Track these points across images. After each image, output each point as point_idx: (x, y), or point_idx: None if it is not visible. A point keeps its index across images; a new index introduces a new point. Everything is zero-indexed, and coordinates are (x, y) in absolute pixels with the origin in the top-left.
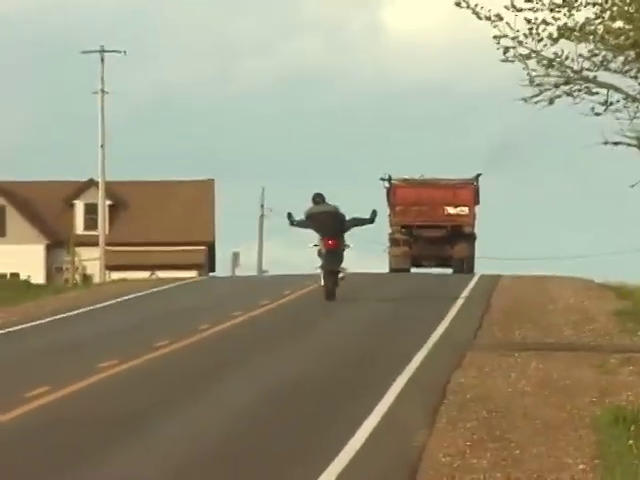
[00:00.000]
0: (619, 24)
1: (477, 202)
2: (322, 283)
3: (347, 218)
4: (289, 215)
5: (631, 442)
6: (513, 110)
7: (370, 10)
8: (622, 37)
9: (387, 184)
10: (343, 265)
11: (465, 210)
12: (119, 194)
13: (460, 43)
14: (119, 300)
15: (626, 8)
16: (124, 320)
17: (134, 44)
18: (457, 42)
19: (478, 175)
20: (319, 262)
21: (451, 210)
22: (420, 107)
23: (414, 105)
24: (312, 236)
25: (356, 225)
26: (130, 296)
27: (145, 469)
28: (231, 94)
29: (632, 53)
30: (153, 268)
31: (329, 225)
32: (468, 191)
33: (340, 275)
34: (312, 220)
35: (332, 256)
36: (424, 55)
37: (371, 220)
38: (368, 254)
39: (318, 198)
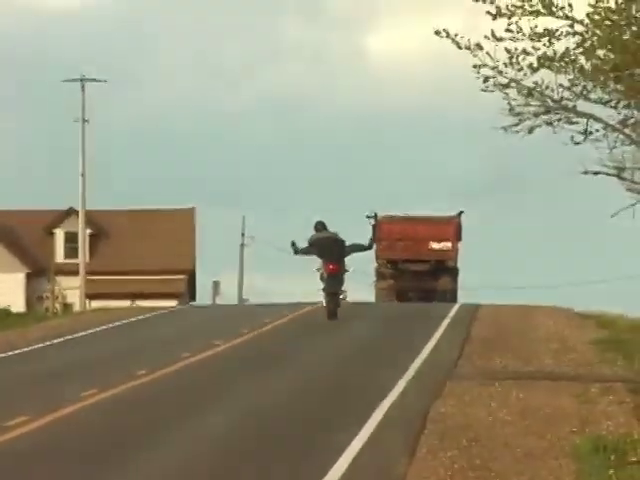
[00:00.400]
0: (600, 53)
1: (459, 238)
2: (324, 304)
3: (347, 244)
4: (292, 244)
5: (611, 472)
6: (494, 139)
7: (353, 36)
8: (601, 62)
9: (373, 221)
10: (343, 288)
11: (448, 245)
12: (100, 223)
13: (441, 71)
14: (100, 329)
15: (609, 33)
16: (105, 349)
17: (115, 71)
18: (438, 70)
19: (460, 212)
20: (320, 285)
21: (435, 245)
22: (402, 132)
23: (396, 131)
24: (299, 266)
25: (355, 251)
26: (111, 325)
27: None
28: (213, 120)
29: (612, 84)
30: (134, 297)
31: (330, 250)
32: (451, 227)
33: (341, 297)
34: (315, 246)
35: (333, 279)
36: (406, 81)
37: (369, 246)
38: (356, 284)
39: (319, 225)
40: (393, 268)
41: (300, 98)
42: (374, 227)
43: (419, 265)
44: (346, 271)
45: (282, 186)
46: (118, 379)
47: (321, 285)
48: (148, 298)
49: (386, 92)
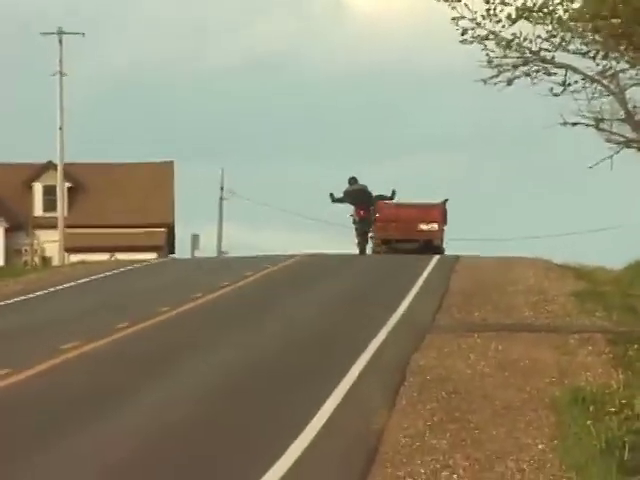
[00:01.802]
0: (577, 5)
1: (445, 222)
2: (356, 241)
3: (374, 194)
4: (331, 195)
5: (589, 422)
6: (473, 91)
7: None
8: (579, 12)
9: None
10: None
11: (435, 226)
12: (78, 176)
13: (421, 24)
14: (79, 282)
15: None
16: (84, 302)
17: (92, 26)
18: (419, 23)
19: (446, 200)
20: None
21: (423, 227)
22: (381, 88)
23: (375, 86)
24: (278, 219)
25: (380, 199)
26: (90, 278)
27: (109, 448)
28: (192, 75)
29: (590, 34)
30: (112, 250)
31: (361, 199)
32: (437, 211)
33: (370, 235)
34: (348, 196)
35: (363, 222)
36: (386, 36)
37: (391, 197)
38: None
39: (352, 180)
40: (387, 246)
41: (280, 54)
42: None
43: (409, 244)
44: (374, 215)
45: (261, 140)
46: (98, 332)
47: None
48: (127, 251)
49: (366, 47)
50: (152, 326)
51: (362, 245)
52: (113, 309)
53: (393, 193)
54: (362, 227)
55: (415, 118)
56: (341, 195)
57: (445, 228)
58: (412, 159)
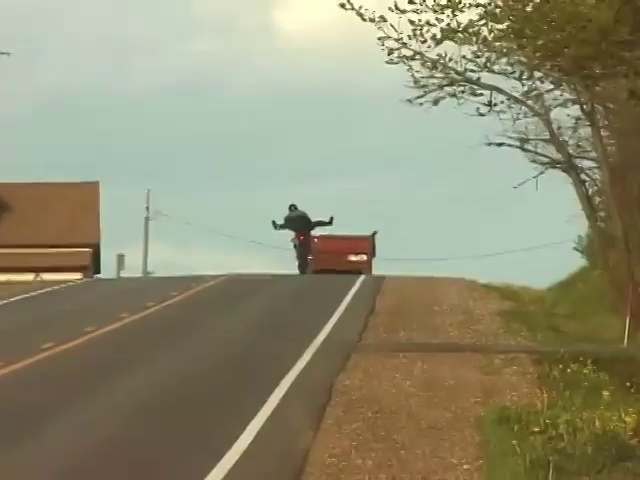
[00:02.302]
0: (502, 26)
1: (374, 253)
2: (297, 263)
3: (313, 220)
4: (273, 222)
5: (515, 442)
6: (401, 112)
7: (261, 11)
8: (504, 31)
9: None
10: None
11: (364, 257)
12: (2, 195)
13: (350, 44)
14: (3, 302)
15: (511, 4)
16: (9, 322)
17: (19, 43)
18: (347, 43)
19: (375, 232)
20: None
21: (353, 258)
22: (313, 109)
23: (307, 107)
24: (204, 239)
25: (319, 225)
26: (14, 298)
27: (31, 471)
28: (120, 95)
29: (515, 54)
30: (37, 270)
31: (300, 225)
32: (366, 243)
33: (309, 257)
34: (289, 222)
35: (302, 246)
36: (316, 57)
37: (329, 222)
38: None
39: (292, 207)
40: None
41: (206, 75)
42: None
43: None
44: (312, 239)
45: (188, 162)
46: (23, 352)
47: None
48: (52, 271)
49: (294, 68)
50: (77, 346)
51: (302, 267)
52: (38, 329)
53: (331, 219)
54: (302, 251)
55: (344, 139)
56: (282, 222)
57: (373, 259)
58: (336, 181)
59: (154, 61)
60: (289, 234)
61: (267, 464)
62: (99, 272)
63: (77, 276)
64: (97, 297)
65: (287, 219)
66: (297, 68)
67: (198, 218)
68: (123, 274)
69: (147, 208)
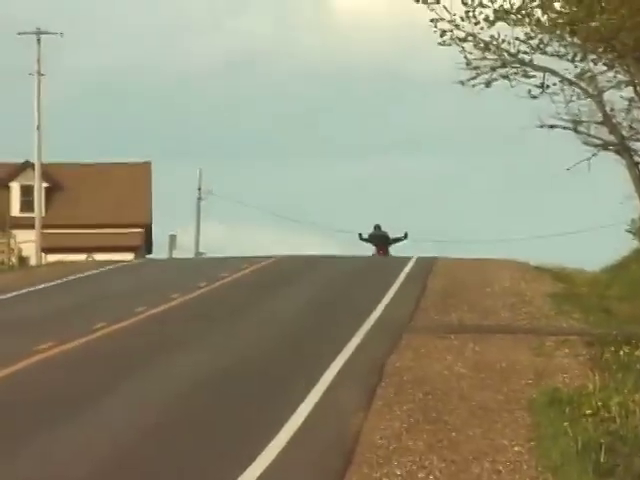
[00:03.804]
0: (556, 5)
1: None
2: None
3: (391, 238)
4: (360, 235)
5: (566, 424)
6: (453, 93)
7: None
8: (557, 15)
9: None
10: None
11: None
12: (55, 176)
13: (403, 26)
14: (56, 282)
15: None
16: (62, 302)
17: (71, 26)
18: (401, 25)
19: (406, 234)
20: None
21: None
22: (363, 89)
23: (357, 87)
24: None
25: (396, 242)
26: (67, 278)
27: (91, 447)
28: (171, 75)
29: (568, 37)
30: (90, 250)
31: (381, 242)
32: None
33: None
34: (373, 238)
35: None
36: (369, 37)
37: (405, 237)
38: None
39: (377, 227)
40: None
41: (258, 53)
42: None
43: None
44: (389, 254)
45: (240, 140)
46: (76, 332)
47: None
48: (105, 252)
49: (348, 49)
50: (127, 327)
51: None
52: (90, 309)
53: (405, 234)
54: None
55: (395, 119)
56: (367, 237)
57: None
58: (392, 159)
59: (202, 40)
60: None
61: (319, 444)
62: (151, 252)
63: (129, 256)
64: (148, 277)
65: (371, 236)
66: (349, 49)
67: (249, 198)
68: (175, 254)
69: (199, 189)
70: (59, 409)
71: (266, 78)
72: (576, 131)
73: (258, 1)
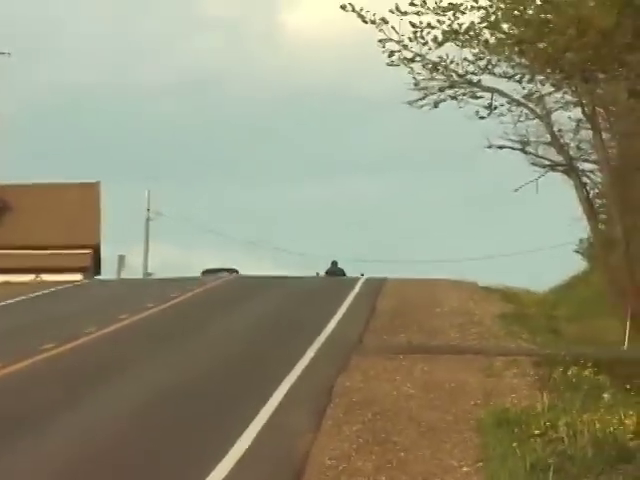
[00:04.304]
0: (504, 27)
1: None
2: None
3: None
4: (317, 273)
5: (515, 444)
6: (402, 114)
7: (268, 11)
8: (505, 35)
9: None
10: None
11: None
12: (3, 196)
13: (351, 46)
14: (3, 304)
15: (513, 8)
16: (8, 323)
17: (18, 45)
18: (348, 45)
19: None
20: None
21: None
22: (313, 111)
23: (306, 109)
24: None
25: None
26: (14, 300)
27: (32, 471)
28: (120, 95)
29: (516, 57)
30: (38, 271)
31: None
32: None
33: None
34: (330, 274)
35: None
36: (318, 58)
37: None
38: None
39: (334, 263)
40: None
41: (209, 74)
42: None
43: None
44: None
45: (189, 161)
46: (22, 353)
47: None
48: (53, 272)
49: (297, 69)
50: (77, 347)
51: None
52: (37, 330)
53: (362, 275)
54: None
55: (343, 141)
56: (323, 274)
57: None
58: (340, 182)
59: (153, 60)
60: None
61: (267, 465)
62: (100, 273)
63: (78, 277)
64: (96, 298)
65: (328, 271)
66: (298, 68)
67: (198, 218)
68: (124, 275)
69: (148, 209)
70: (5, 427)
71: (219, 98)
72: (524, 151)
73: (210, 21)
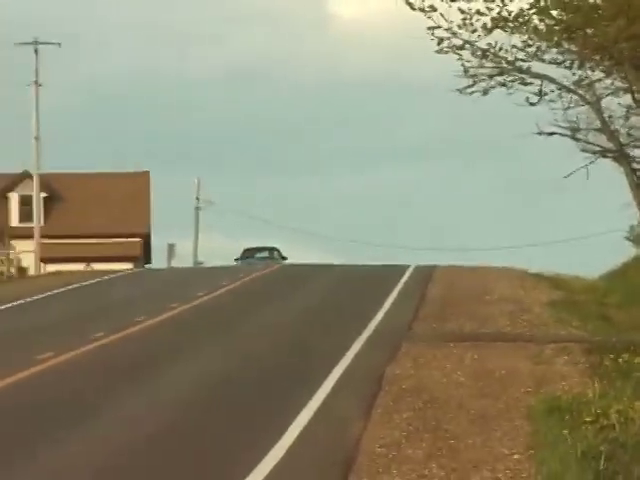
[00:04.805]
0: (553, 13)
1: None
2: None
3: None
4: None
5: (566, 432)
6: (450, 101)
7: (316, 1)
8: (554, 22)
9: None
10: None
11: None
12: (54, 186)
13: (401, 34)
14: (55, 292)
15: None
16: (60, 312)
17: (69, 36)
18: (399, 33)
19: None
20: None
21: None
22: (364, 98)
23: (358, 96)
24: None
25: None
26: (66, 288)
27: (91, 455)
28: (170, 85)
29: (565, 44)
30: (89, 260)
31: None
32: None
33: None
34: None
35: None
36: (369, 46)
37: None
38: None
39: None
40: None
41: (261, 64)
42: None
43: None
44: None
45: (238, 150)
46: (74, 342)
47: None
48: (103, 261)
49: (346, 57)
50: (127, 336)
51: None
52: (86, 320)
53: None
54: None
55: (393, 128)
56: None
57: None
58: (390, 169)
59: (202, 50)
60: None
61: (318, 453)
62: (150, 262)
63: (128, 266)
64: (146, 287)
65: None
66: (345, 58)
67: (247, 206)
68: (174, 263)
69: (197, 198)
70: (64, 413)
71: (267, 88)
72: (574, 138)
73: (260, 12)
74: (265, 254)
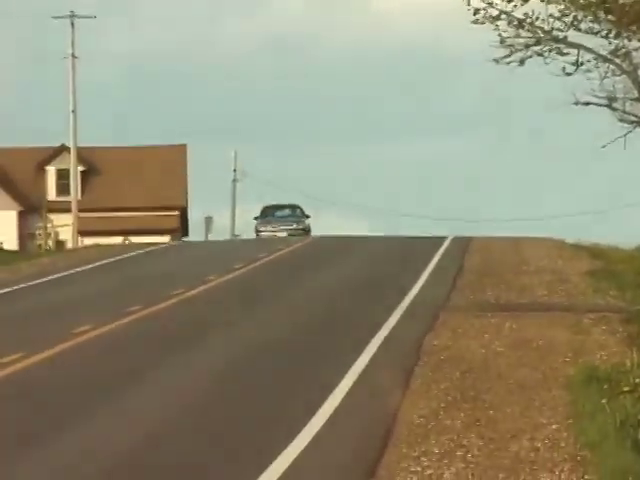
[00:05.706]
0: None
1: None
2: None
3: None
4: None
5: (604, 401)
6: (487, 71)
7: None
8: None
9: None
10: None
11: None
12: (91, 160)
13: (436, 5)
14: (93, 266)
15: None
16: (98, 286)
17: (105, 9)
18: (432, 3)
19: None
20: None
21: None
22: (400, 68)
23: (395, 66)
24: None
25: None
26: (104, 261)
27: (122, 431)
28: (205, 57)
29: (602, 14)
30: (126, 233)
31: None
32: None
33: None
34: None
35: None
36: (402, 16)
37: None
38: None
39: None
40: None
41: (298, 34)
42: None
43: None
44: None
45: (274, 122)
46: (111, 316)
47: None
48: (140, 234)
49: (382, 27)
50: (166, 308)
51: None
52: (128, 291)
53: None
54: None
55: (431, 99)
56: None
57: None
58: (428, 140)
59: (237, 24)
60: None
61: (357, 423)
62: (187, 235)
63: (166, 239)
64: (183, 260)
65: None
66: (384, 29)
67: (284, 179)
68: (211, 237)
69: (234, 170)
70: (107, 384)
71: (304, 61)
72: (611, 108)
73: None
74: (286, 212)
